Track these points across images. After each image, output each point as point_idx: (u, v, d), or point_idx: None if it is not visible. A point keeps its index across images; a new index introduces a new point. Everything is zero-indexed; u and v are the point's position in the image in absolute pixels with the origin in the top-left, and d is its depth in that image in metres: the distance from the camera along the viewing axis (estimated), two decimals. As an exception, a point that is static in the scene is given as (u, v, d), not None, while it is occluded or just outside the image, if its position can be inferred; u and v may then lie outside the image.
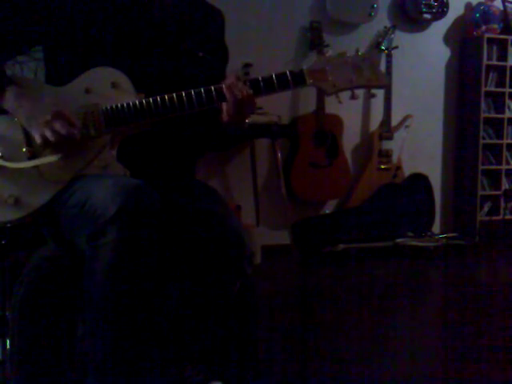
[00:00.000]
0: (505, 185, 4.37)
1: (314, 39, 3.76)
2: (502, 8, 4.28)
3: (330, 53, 1.35)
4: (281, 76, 1.32)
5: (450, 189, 4.48)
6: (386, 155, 4.01)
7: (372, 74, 1.33)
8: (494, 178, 4.37)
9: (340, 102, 1.38)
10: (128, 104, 1.30)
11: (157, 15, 1.42)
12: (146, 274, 1.20)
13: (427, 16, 4.11)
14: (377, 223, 3.84)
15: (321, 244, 3.65)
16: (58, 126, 1.25)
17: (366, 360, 2.05)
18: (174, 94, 1.30)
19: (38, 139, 1.28)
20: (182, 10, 1.46)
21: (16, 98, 1.30)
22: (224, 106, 1.32)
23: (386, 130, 3.99)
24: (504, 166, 4.34)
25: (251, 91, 1.31)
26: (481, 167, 4.24)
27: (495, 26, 4.22)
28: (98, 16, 1.37)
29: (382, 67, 3.85)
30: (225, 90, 1.30)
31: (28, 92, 1.31)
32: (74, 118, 1.28)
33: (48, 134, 1.26)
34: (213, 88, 1.31)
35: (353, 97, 1.37)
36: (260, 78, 1.32)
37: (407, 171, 4.07)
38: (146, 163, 1.42)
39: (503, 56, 4.27)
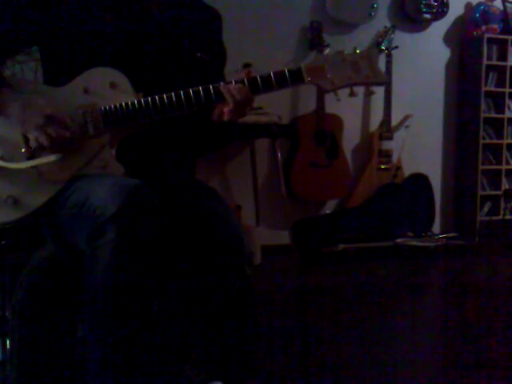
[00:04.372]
0: (505, 185, 4.37)
1: (313, 39, 3.76)
2: (502, 8, 4.28)
3: (328, 51, 1.35)
4: (279, 74, 1.32)
5: (450, 189, 4.48)
6: (386, 155, 4.01)
7: (370, 71, 1.33)
8: (494, 178, 4.37)
9: (338, 100, 1.38)
10: (126, 104, 1.30)
11: (155, 15, 1.42)
12: (146, 273, 1.20)
13: (427, 16, 4.11)
14: (377, 223, 3.84)
15: (321, 244, 3.65)
16: (50, 129, 1.26)
17: (366, 360, 2.05)
18: (172, 94, 1.30)
19: (32, 143, 1.28)
20: (180, 10, 1.46)
21: (8, 102, 1.29)
22: (223, 107, 1.32)
23: (386, 130, 3.99)
24: (504, 166, 4.34)
25: (248, 90, 1.31)
26: (481, 167, 4.24)
27: (495, 26, 4.22)
28: (95, 16, 1.36)
29: (382, 67, 3.85)
30: (223, 90, 1.30)
31: (20, 95, 1.30)
32: (66, 118, 1.28)
33: (41, 138, 1.26)
34: (211, 87, 1.31)
35: (351, 94, 1.37)
36: (258, 77, 1.32)
37: (407, 171, 4.07)
38: (146, 163, 1.42)
39: (503, 56, 4.27)
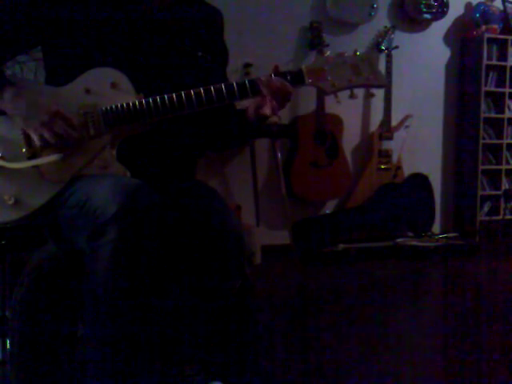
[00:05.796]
0: (505, 185, 4.37)
1: (314, 39, 3.76)
2: (502, 8, 4.28)
3: (328, 53, 1.35)
4: (280, 75, 1.32)
5: (450, 189, 4.48)
6: (386, 155, 4.01)
7: (371, 73, 1.34)
8: (494, 177, 4.37)
9: (338, 102, 1.38)
10: (127, 104, 1.30)
11: (156, 15, 1.42)
12: (146, 273, 1.20)
13: (427, 16, 4.11)
14: (377, 223, 3.84)
15: (321, 244, 3.65)
16: (56, 126, 1.25)
17: (366, 360, 2.05)
18: (174, 94, 1.30)
19: (36, 141, 1.28)
20: (181, 10, 1.46)
21: (13, 99, 1.29)
22: (259, 102, 1.32)
23: (386, 129, 3.99)
24: (504, 166, 4.34)
25: (285, 82, 1.30)
26: (481, 167, 4.24)
27: (495, 26, 4.22)
28: (97, 17, 1.36)
29: (382, 67, 3.85)
30: (259, 83, 1.30)
31: (25, 92, 1.30)
32: (73, 117, 1.28)
33: (46, 134, 1.26)
34: (212, 88, 1.31)
35: (352, 96, 1.37)
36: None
37: (407, 171, 4.07)
38: (146, 163, 1.42)
39: (503, 56, 4.27)
